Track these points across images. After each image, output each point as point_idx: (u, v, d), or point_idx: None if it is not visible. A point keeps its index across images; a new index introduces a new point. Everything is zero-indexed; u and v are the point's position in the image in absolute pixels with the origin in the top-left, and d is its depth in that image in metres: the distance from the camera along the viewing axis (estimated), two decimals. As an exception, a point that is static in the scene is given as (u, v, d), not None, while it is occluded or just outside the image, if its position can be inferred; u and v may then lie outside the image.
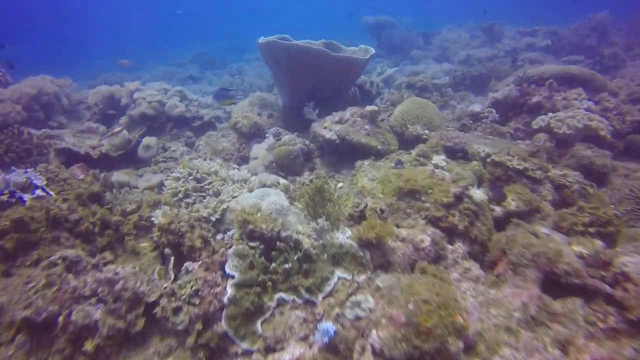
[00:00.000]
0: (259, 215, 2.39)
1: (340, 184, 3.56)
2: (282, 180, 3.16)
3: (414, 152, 3.23)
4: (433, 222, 2.31)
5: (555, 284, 1.91)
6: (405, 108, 3.89)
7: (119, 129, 4.09)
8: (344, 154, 3.94)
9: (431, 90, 5.43)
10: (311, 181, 3.01)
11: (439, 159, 2.89)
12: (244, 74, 12.28)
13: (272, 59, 4.41)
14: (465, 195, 2.34)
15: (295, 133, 4.46)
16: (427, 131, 3.62)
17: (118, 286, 1.91)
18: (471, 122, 4.07)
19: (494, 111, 4.10)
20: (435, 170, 2.57)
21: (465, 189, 2.36)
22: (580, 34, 9.98)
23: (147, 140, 4.05)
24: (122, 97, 4.65)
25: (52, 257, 2.07)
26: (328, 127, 3.86)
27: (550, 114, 3.58)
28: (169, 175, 3.20)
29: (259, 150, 3.48)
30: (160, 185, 3.31)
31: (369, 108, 3.78)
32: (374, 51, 4.64)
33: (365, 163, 3.24)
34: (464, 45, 10.81)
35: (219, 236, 2.45)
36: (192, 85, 11.74)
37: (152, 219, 2.68)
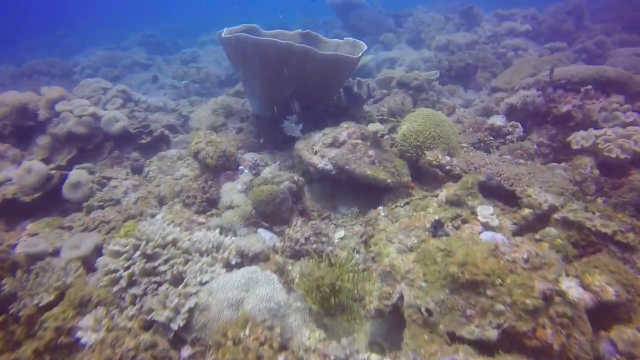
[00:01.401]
0: (247, 333, 1.55)
1: (341, 232, 2.73)
2: (270, 241, 2.29)
3: (442, 195, 2.45)
4: (512, 335, 1.55)
5: None
6: (417, 126, 3.08)
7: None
8: (340, 183, 3.10)
9: (427, 89, 4.65)
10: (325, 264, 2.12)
11: (486, 213, 2.12)
12: (199, 60, 10.96)
13: (241, 58, 3.43)
14: (556, 292, 1.59)
15: (278, 157, 3.55)
16: (447, 157, 2.84)
17: None
18: (492, 138, 3.34)
19: (520, 126, 3.39)
20: (497, 242, 1.80)
21: (556, 282, 1.61)
22: (557, 17, 9.54)
23: (75, 175, 2.98)
24: (40, 109, 3.50)
25: None
26: (320, 153, 2.99)
27: (594, 131, 2.91)
28: (106, 243, 2.23)
29: (235, 196, 2.56)
30: (97, 251, 2.32)
31: (372, 128, 2.93)
32: (366, 47, 3.76)
33: (381, 214, 2.44)
34: (439, 29, 10.10)
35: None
36: (139, 73, 10.32)
37: (78, 335, 1.74)
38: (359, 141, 2.95)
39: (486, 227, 2.04)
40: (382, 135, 3.01)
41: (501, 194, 2.58)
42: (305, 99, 3.73)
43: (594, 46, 7.42)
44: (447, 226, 2.09)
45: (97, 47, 14.33)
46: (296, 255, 2.39)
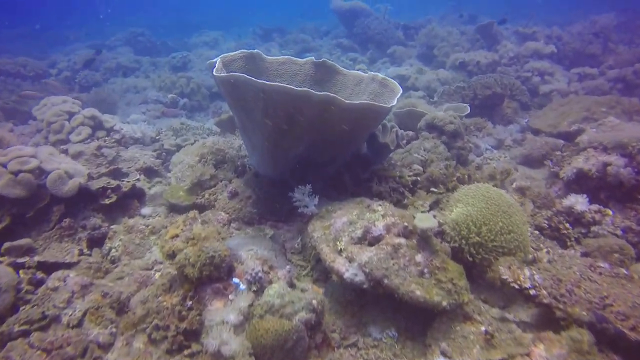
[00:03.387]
0: None
1: (378, 383, 1.88)
2: None
3: (540, 354, 1.61)
4: None
5: None
6: (476, 212, 2.24)
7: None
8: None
9: (463, 134, 3.81)
10: None
11: None
12: (190, 67, 10.00)
13: (240, 104, 2.55)
14: None
15: (283, 235, 2.69)
16: (527, 271, 1.99)
17: None
18: (569, 227, 2.51)
19: (611, 214, 2.56)
20: None
21: None
22: (583, 39, 8.81)
23: (-7, 273, 2.07)
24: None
25: None
26: (347, 253, 2.12)
27: None
28: None
29: (226, 336, 1.69)
30: None
31: (422, 223, 2.07)
32: (401, 90, 2.90)
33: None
34: (453, 45, 9.29)
35: None
36: (124, 79, 9.32)
37: None
38: (402, 240, 2.09)
39: None
40: (432, 232, 2.16)
41: (618, 344, 1.75)
42: (321, 157, 2.87)
43: (633, 75, 6.68)
44: None
45: (80, 43, 13.27)
46: None
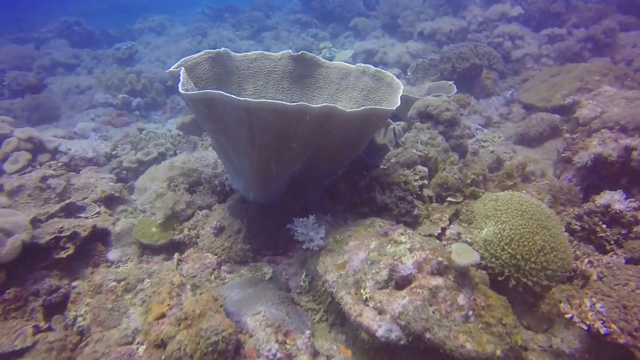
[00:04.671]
0: None
1: None
2: None
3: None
4: None
5: None
6: (510, 230, 1.93)
7: None
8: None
9: (459, 121, 3.48)
10: None
11: None
12: (137, 59, 9.05)
13: (216, 123, 2.06)
14: None
15: (284, 270, 2.29)
16: (600, 307, 1.71)
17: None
18: (606, 227, 2.25)
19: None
20: None
21: None
22: (546, -3, 8.62)
23: None
24: None
25: None
26: (374, 302, 1.75)
27: None
28: None
29: None
30: None
31: (461, 258, 1.73)
32: (402, 86, 2.49)
33: None
34: (418, 13, 8.87)
35: None
36: (64, 77, 8.31)
37: None
38: (439, 281, 1.74)
39: None
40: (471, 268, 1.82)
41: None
42: (319, 172, 2.45)
43: (603, 35, 6.55)
44: None
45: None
46: None
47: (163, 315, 1.63)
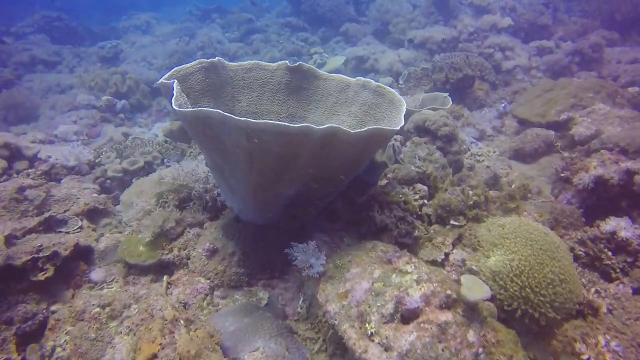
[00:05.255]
0: None
1: None
2: None
3: None
4: None
5: None
6: (519, 261, 1.86)
7: None
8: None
9: (457, 137, 3.43)
10: None
11: None
12: (123, 58, 8.78)
13: (211, 142, 1.94)
14: None
15: (280, 294, 2.18)
16: (615, 346, 1.66)
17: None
18: (612, 254, 2.22)
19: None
20: None
21: None
22: (535, 9, 8.72)
23: None
24: None
25: None
26: (379, 338, 1.66)
27: None
28: None
29: None
30: None
31: (471, 293, 1.65)
32: (405, 103, 2.41)
33: None
34: (409, 20, 8.86)
35: None
36: (44, 75, 7.99)
37: None
38: (449, 317, 1.66)
39: None
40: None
41: None
42: (319, 193, 2.34)
43: (590, 50, 6.65)
44: None
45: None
46: None
47: (155, 356, 1.50)
